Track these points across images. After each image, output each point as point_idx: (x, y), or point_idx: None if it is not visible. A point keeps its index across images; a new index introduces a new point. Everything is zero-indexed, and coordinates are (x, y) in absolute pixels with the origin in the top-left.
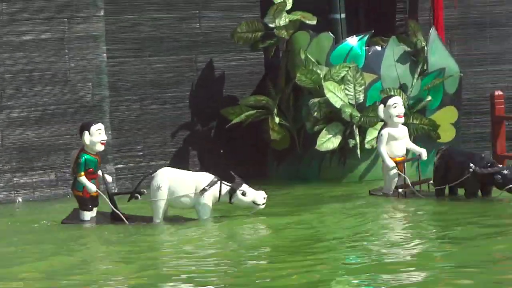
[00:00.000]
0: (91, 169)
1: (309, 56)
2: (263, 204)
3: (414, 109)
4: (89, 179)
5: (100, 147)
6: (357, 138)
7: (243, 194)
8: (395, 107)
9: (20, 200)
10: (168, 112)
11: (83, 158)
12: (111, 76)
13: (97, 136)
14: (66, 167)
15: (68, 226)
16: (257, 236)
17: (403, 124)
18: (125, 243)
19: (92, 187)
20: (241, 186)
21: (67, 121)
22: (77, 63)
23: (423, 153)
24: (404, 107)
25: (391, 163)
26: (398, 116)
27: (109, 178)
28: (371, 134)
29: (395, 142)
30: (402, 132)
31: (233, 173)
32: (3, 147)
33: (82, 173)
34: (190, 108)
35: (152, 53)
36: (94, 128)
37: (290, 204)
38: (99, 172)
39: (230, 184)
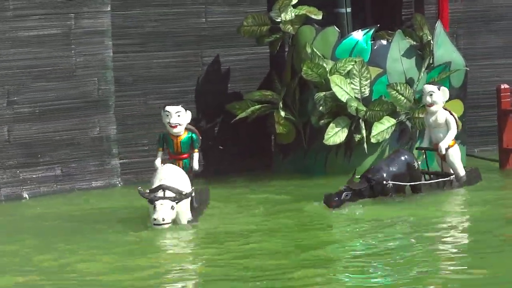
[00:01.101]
0: (169, 149)
1: (315, 50)
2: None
3: (420, 103)
4: (170, 158)
5: (170, 129)
6: (363, 132)
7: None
8: (422, 94)
9: (27, 195)
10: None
11: (161, 135)
12: (117, 71)
13: (165, 118)
14: (71, 161)
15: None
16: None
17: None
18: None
19: (155, 162)
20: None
21: (73, 116)
22: (83, 58)
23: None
24: (410, 101)
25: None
26: (425, 103)
27: (195, 165)
28: (377, 128)
29: (432, 129)
30: (437, 119)
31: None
32: (9, 143)
33: (159, 148)
34: (195, 103)
35: (157, 48)
36: (165, 110)
37: (294, 196)
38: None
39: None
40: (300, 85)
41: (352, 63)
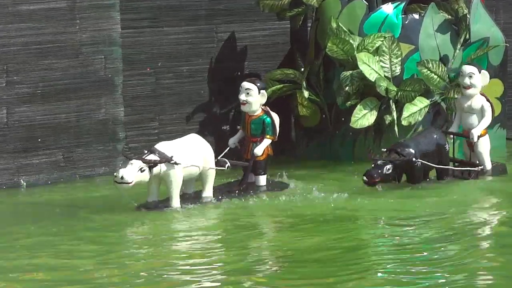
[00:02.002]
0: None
1: (341, 25)
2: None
3: (455, 83)
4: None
5: (242, 107)
6: (394, 114)
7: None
8: (461, 75)
9: (24, 183)
10: (186, 87)
11: (243, 113)
12: (125, 48)
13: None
14: (75, 146)
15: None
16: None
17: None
18: None
19: (229, 140)
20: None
21: (77, 97)
22: (89, 34)
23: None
24: (444, 80)
25: None
26: (462, 86)
27: (256, 149)
28: (409, 110)
29: (464, 114)
30: (471, 104)
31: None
32: (8, 126)
33: (241, 127)
34: (209, 83)
35: (169, 23)
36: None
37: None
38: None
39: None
40: (325, 63)
41: (382, 39)
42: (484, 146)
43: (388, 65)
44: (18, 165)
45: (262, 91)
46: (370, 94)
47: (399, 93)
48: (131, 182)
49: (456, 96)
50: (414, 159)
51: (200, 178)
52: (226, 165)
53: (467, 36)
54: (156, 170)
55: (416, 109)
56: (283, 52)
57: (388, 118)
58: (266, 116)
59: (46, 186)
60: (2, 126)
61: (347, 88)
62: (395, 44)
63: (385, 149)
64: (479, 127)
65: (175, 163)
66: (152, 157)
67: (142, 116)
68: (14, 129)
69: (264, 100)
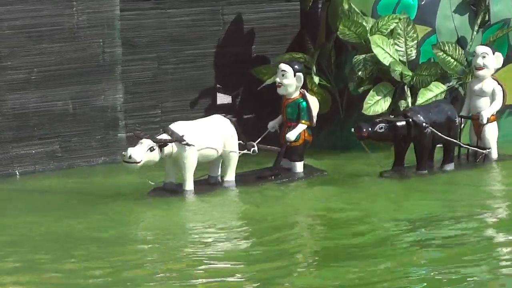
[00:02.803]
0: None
1: (354, 6)
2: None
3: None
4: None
5: (277, 90)
6: (409, 100)
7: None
8: (473, 55)
9: (18, 173)
10: (190, 72)
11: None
12: (125, 32)
13: None
14: (72, 135)
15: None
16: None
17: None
18: None
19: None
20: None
21: (74, 83)
22: (86, 17)
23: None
24: (462, 64)
25: None
26: (474, 67)
27: (289, 134)
28: (424, 96)
29: (474, 98)
30: (482, 87)
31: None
32: (1, 114)
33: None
34: (215, 68)
35: (171, 4)
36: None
37: (332, 179)
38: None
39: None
40: (336, 46)
41: (396, 20)
42: (492, 132)
43: (403, 49)
44: (13, 155)
45: (298, 74)
46: (384, 79)
47: (415, 78)
48: (139, 162)
49: None
50: (424, 124)
51: (222, 162)
52: (252, 149)
53: (487, 18)
54: (167, 150)
55: (431, 94)
56: (292, 35)
57: (402, 105)
58: (302, 100)
59: (41, 175)
60: None
61: (359, 72)
62: (410, 26)
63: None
64: (489, 109)
65: (187, 144)
66: (164, 136)
67: (143, 103)
68: (7, 117)
69: (300, 83)
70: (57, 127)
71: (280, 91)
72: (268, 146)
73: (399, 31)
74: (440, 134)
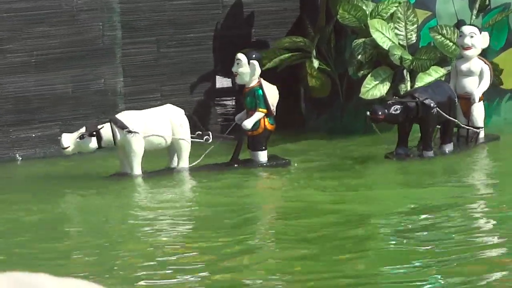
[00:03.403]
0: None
1: None
2: None
3: None
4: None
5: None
6: (408, 84)
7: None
8: (460, 35)
9: (19, 157)
10: (190, 55)
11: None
12: (124, 15)
13: None
14: (72, 119)
15: None
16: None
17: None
18: None
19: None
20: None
21: (74, 66)
22: (86, 0)
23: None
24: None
25: None
26: (462, 47)
27: (245, 122)
28: (422, 80)
29: (462, 78)
30: (470, 67)
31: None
32: (1, 97)
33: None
34: (214, 51)
35: None
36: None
37: (332, 165)
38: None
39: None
40: (336, 30)
41: (396, 4)
42: (480, 112)
43: (403, 33)
44: (13, 138)
45: (252, 61)
46: (384, 63)
47: (414, 62)
48: (66, 147)
49: None
50: (432, 104)
51: (174, 149)
52: (205, 138)
53: (487, 1)
54: (107, 138)
55: (430, 79)
56: (292, 19)
57: (402, 89)
58: (258, 88)
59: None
60: None
61: (359, 56)
62: (410, 10)
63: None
64: (480, 88)
65: (129, 131)
66: (105, 125)
67: (143, 87)
68: (7, 101)
69: (254, 71)
70: (57, 111)
71: (237, 80)
72: (223, 136)
73: (399, 15)
74: (444, 114)
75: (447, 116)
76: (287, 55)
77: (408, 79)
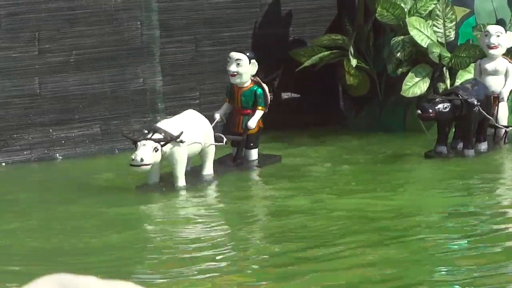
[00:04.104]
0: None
1: None
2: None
3: None
4: (234, 112)
5: (230, 78)
6: (448, 82)
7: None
8: (486, 35)
9: (60, 156)
10: (227, 54)
11: (228, 84)
12: (162, 14)
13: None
14: (111, 118)
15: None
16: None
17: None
18: None
19: (215, 114)
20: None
21: (112, 66)
22: None
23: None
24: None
25: None
26: (488, 46)
27: (250, 122)
28: (463, 77)
29: (487, 77)
30: (496, 66)
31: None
32: (41, 97)
33: (225, 99)
34: (253, 50)
35: None
36: (229, 56)
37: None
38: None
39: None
40: (375, 28)
41: (435, 2)
42: (504, 111)
43: (441, 30)
44: (53, 138)
45: (253, 61)
46: (423, 61)
47: (453, 60)
48: (150, 164)
49: None
50: (476, 102)
51: (200, 156)
52: (224, 140)
53: None
54: (165, 149)
55: (470, 76)
56: (330, 17)
57: (441, 86)
58: (257, 87)
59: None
60: (35, 97)
61: (398, 54)
62: (449, 8)
63: (441, 93)
64: (507, 87)
65: (181, 142)
66: (158, 135)
67: (181, 86)
68: (47, 100)
69: (254, 70)
70: (97, 110)
71: (235, 80)
72: (233, 136)
73: (437, 12)
74: (484, 112)
75: (486, 115)
76: (326, 53)
77: (448, 76)
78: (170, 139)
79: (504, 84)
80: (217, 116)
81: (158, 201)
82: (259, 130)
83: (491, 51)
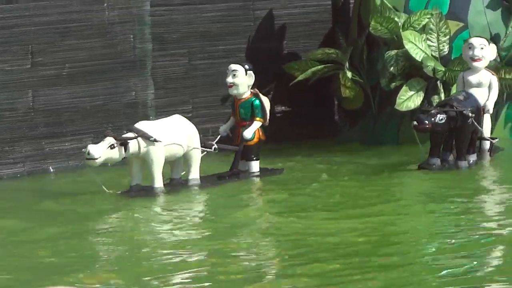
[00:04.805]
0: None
1: (386, 2)
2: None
3: (506, 62)
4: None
5: (229, 90)
6: (442, 95)
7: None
8: (469, 47)
9: (52, 169)
10: (221, 67)
11: (232, 97)
12: (155, 27)
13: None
14: (103, 131)
15: None
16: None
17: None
18: None
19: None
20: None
21: (105, 79)
22: (117, 12)
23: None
24: (495, 60)
25: None
26: (472, 59)
27: (245, 132)
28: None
29: (470, 90)
30: (480, 79)
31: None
32: (34, 109)
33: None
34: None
35: None
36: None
37: (359, 178)
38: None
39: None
40: (369, 42)
41: (429, 16)
42: (488, 123)
43: (435, 44)
44: (46, 151)
45: (249, 72)
46: (416, 74)
47: (447, 73)
48: (97, 158)
49: (508, 76)
50: (470, 114)
51: (185, 161)
52: (213, 147)
53: None
54: (134, 149)
55: None
56: (324, 31)
57: (435, 100)
58: (255, 99)
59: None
60: (28, 110)
61: (391, 68)
62: (443, 22)
63: (435, 104)
64: (491, 100)
65: (155, 140)
66: (130, 135)
67: (174, 99)
68: (40, 113)
69: (251, 81)
70: (88, 123)
71: (232, 91)
72: (226, 146)
73: (431, 26)
74: (476, 124)
75: (478, 127)
76: (319, 67)
77: (442, 90)
78: (132, 138)
79: (488, 97)
80: (222, 130)
81: (116, 210)
82: (259, 141)
83: (475, 64)
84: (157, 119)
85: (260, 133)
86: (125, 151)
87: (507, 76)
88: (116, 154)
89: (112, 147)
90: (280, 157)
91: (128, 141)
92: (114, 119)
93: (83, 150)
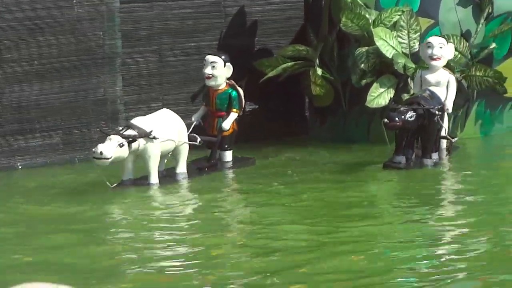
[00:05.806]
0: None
1: None
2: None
3: (477, 59)
4: (210, 114)
5: (206, 81)
6: (412, 92)
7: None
8: (428, 46)
9: (20, 166)
10: (192, 64)
11: (205, 87)
12: (125, 24)
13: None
14: (72, 128)
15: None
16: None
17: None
18: None
19: (192, 117)
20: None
21: (74, 76)
22: (86, 9)
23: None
24: (466, 57)
25: None
26: (431, 58)
27: (224, 123)
28: None
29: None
30: (438, 78)
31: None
32: (2, 106)
33: (203, 103)
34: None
35: None
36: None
37: (329, 178)
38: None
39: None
40: (339, 39)
41: (399, 13)
42: (446, 122)
43: (406, 41)
44: (14, 148)
45: (228, 64)
46: (387, 71)
47: (418, 70)
48: (110, 158)
49: (478, 73)
50: (437, 112)
51: (173, 154)
52: (198, 140)
53: (490, 10)
54: (135, 145)
55: None
56: (296, 28)
57: (405, 97)
58: (232, 90)
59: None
60: None
61: (362, 65)
62: (413, 19)
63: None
64: (450, 99)
65: (154, 138)
66: (131, 132)
67: (144, 96)
68: (8, 110)
69: (230, 73)
70: (57, 120)
71: (210, 82)
72: (208, 137)
73: (402, 23)
74: (441, 122)
75: (443, 125)
76: (290, 63)
77: (412, 87)
78: (139, 135)
79: (446, 96)
80: (194, 118)
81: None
82: (233, 132)
83: (433, 63)
84: (126, 116)
85: (234, 124)
86: (129, 148)
87: (478, 74)
88: (125, 152)
89: (121, 145)
90: (251, 154)
91: (137, 139)
92: (82, 116)
93: (93, 150)
